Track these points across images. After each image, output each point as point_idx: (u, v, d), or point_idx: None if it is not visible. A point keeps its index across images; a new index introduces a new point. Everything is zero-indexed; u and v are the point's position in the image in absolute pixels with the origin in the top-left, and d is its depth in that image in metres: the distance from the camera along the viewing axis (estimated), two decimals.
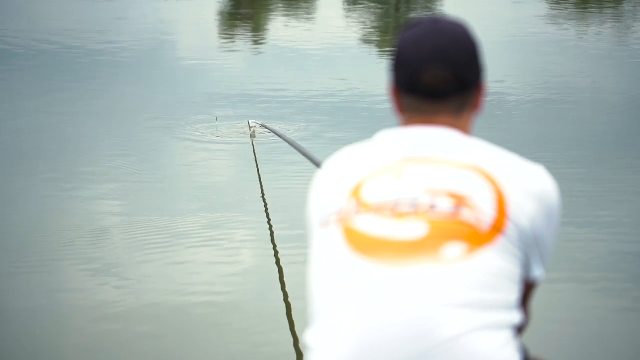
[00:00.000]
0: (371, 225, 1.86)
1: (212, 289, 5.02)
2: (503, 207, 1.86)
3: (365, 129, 7.95)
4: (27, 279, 5.15)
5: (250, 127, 7.53)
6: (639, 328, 4.70)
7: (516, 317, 1.86)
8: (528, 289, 1.99)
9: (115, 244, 5.62)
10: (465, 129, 2.01)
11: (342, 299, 1.83)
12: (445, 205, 1.85)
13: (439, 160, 1.92)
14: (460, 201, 1.85)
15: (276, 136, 6.76)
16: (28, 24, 13.81)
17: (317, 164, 4.93)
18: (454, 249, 1.81)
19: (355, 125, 8.29)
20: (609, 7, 16.55)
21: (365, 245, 1.85)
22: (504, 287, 1.83)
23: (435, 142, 1.95)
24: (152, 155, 7.47)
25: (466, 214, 1.84)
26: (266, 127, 6.93)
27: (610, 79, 10.64)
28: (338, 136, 7.93)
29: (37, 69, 10.89)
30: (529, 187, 1.90)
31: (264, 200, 6.05)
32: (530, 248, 1.90)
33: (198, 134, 8.06)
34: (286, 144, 6.23)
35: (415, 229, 1.83)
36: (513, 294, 1.85)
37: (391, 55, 2.04)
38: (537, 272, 1.95)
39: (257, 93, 9.61)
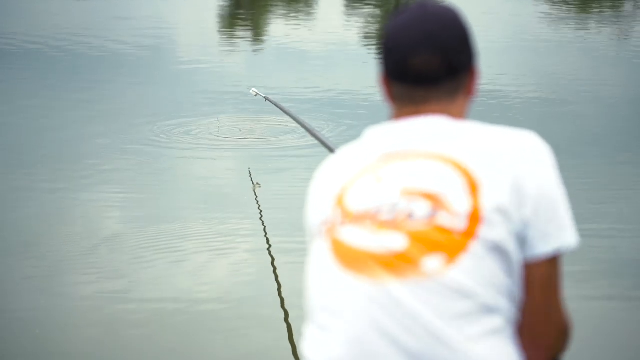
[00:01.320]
0: (354, 237, 1.85)
1: (216, 292, 5.02)
2: (477, 197, 1.82)
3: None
4: (28, 280, 5.15)
5: (255, 94, 6.72)
6: (637, 328, 4.70)
7: (500, 320, 1.81)
8: (533, 269, 1.85)
9: (116, 246, 5.61)
10: (458, 115, 1.95)
11: (332, 313, 1.85)
12: (421, 210, 1.83)
13: (414, 153, 1.89)
14: (435, 203, 1.83)
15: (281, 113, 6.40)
16: (27, 24, 13.80)
17: (322, 142, 4.93)
18: (433, 262, 1.79)
19: (358, 124, 8.30)
20: (610, 8, 16.54)
21: (349, 258, 1.84)
22: (488, 293, 1.80)
23: (415, 133, 1.92)
24: (153, 157, 7.46)
25: (442, 219, 1.82)
26: (269, 100, 6.52)
27: (611, 79, 10.63)
28: (340, 135, 7.94)
29: (36, 69, 10.89)
30: (502, 151, 1.85)
31: (267, 238, 6.02)
32: (525, 227, 1.82)
33: (201, 135, 8.06)
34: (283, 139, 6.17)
35: (394, 241, 1.82)
36: (499, 296, 1.81)
37: (380, 43, 1.99)
38: (538, 249, 1.83)
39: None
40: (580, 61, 11.70)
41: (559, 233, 1.85)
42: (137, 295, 4.94)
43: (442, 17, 1.93)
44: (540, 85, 10.07)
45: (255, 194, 6.45)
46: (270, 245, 5.56)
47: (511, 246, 1.82)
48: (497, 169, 1.84)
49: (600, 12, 16.01)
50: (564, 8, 16.20)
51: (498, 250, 1.81)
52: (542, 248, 1.84)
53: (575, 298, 4.86)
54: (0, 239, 5.72)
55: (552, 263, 1.86)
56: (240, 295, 4.97)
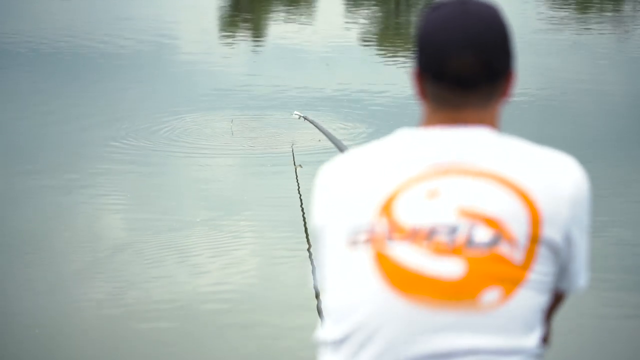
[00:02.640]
0: (407, 257, 1.75)
1: (222, 293, 5.02)
2: (537, 228, 1.78)
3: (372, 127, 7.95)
4: (28, 280, 5.14)
5: (298, 117, 6.66)
6: (637, 331, 4.70)
7: (541, 350, 1.82)
8: (560, 299, 1.93)
9: (119, 247, 5.61)
10: (493, 121, 1.86)
11: (369, 333, 1.77)
12: (482, 236, 1.75)
13: (471, 170, 1.79)
14: (497, 230, 1.76)
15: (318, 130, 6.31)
16: (28, 24, 13.80)
17: None
18: (491, 295, 1.74)
19: (359, 124, 8.30)
20: (610, 9, 16.55)
21: (400, 279, 1.75)
22: (536, 325, 1.79)
23: (466, 146, 1.82)
24: (156, 158, 7.44)
25: (503, 247, 1.75)
26: (308, 120, 6.50)
27: (612, 79, 10.63)
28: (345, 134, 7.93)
29: (36, 69, 10.88)
30: (563, 192, 1.82)
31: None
32: (565, 259, 1.84)
33: (204, 135, 8.03)
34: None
35: (453, 268, 1.74)
36: (541, 326, 1.82)
37: (415, 37, 1.87)
38: (579, 283, 1.90)
39: (261, 92, 9.61)
40: (581, 61, 11.70)
41: (586, 271, 1.92)
42: (139, 297, 4.93)
43: (484, 15, 1.81)
44: (540, 85, 10.07)
45: (300, 195, 6.37)
46: (280, 247, 5.56)
47: (554, 282, 1.84)
48: (556, 206, 1.80)
49: (601, 13, 16.01)
50: (563, 9, 16.20)
51: (546, 285, 1.81)
52: (579, 282, 1.91)
53: (573, 301, 4.86)
54: (1, 239, 5.72)
55: (569, 295, 1.94)
56: (248, 298, 4.96)
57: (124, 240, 5.68)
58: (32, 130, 8.14)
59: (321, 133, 6.10)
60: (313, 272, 5.14)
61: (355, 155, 1.87)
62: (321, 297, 1.88)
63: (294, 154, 6.92)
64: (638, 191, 6.67)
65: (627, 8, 16.65)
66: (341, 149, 5.55)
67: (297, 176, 6.43)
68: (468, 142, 1.82)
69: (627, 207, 6.28)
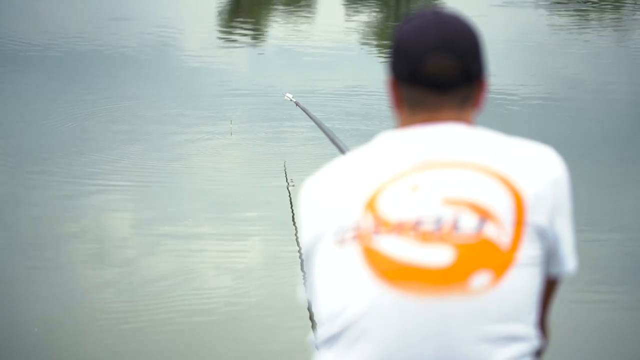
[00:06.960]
0: (395, 248, 1.78)
1: (227, 293, 5.02)
2: (521, 212, 1.81)
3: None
4: (28, 279, 5.15)
5: (291, 99, 6.61)
6: (637, 330, 4.71)
7: (537, 339, 1.83)
8: (552, 286, 1.94)
9: (121, 247, 5.61)
10: (468, 123, 1.91)
11: (365, 328, 1.79)
12: (468, 222, 1.79)
13: (452, 162, 1.84)
14: (482, 215, 1.79)
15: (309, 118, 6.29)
16: (28, 24, 13.81)
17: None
18: (481, 279, 1.77)
19: (359, 124, 8.30)
20: (610, 10, 16.58)
21: (390, 271, 1.78)
22: (528, 310, 1.80)
23: (444, 141, 1.87)
24: (160, 159, 7.43)
25: (489, 231, 1.78)
26: (299, 106, 6.39)
27: (613, 80, 10.64)
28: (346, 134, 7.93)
29: (37, 69, 10.89)
30: (544, 178, 1.85)
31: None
32: (552, 243, 1.86)
33: (210, 136, 8.03)
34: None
35: (442, 255, 1.77)
36: (535, 313, 1.83)
37: (390, 46, 1.94)
38: (569, 266, 1.90)
39: (261, 92, 9.61)
40: (582, 62, 11.71)
41: (573, 256, 1.91)
42: (140, 298, 4.93)
43: (457, 23, 1.90)
44: (541, 85, 10.08)
45: (289, 193, 6.38)
46: (283, 248, 5.56)
47: (544, 264, 1.86)
48: (539, 190, 1.84)
49: (601, 14, 16.03)
50: (564, 10, 16.22)
51: (536, 268, 1.83)
52: (568, 267, 1.91)
53: (569, 302, 4.86)
54: (3, 237, 5.73)
55: (560, 282, 1.94)
56: (254, 300, 4.96)
57: (125, 241, 5.68)
58: (33, 130, 8.15)
59: (312, 121, 6.03)
60: (304, 284, 5.08)
61: (336, 164, 1.93)
62: (312, 307, 1.89)
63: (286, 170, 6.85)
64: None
65: (627, 9, 16.67)
66: (332, 138, 5.53)
67: (289, 193, 6.34)
68: (446, 136, 1.88)
69: (629, 207, 6.28)
